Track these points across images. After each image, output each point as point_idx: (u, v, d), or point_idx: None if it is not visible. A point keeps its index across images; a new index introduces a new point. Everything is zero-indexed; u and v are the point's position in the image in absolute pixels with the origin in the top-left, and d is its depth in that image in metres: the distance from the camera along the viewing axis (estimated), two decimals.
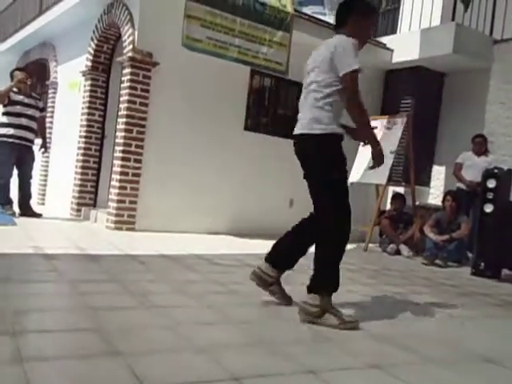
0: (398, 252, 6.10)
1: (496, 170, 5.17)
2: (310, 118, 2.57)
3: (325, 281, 2.53)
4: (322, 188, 2.58)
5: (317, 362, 1.99)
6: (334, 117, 2.56)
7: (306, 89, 2.67)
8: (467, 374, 2.08)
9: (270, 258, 2.77)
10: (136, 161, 5.52)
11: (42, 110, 6.24)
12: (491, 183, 5.09)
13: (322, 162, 2.56)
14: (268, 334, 2.30)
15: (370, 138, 2.65)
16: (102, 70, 6.48)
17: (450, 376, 2.02)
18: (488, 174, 5.18)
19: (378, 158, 2.63)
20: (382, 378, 1.91)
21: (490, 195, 5.08)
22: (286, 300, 2.81)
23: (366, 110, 2.59)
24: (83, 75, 6.57)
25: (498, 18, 6.79)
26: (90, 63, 6.44)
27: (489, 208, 5.09)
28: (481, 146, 6.09)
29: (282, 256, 2.78)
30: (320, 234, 2.58)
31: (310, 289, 2.53)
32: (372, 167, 2.66)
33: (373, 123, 6.75)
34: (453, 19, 6.57)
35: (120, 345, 1.92)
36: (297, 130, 2.67)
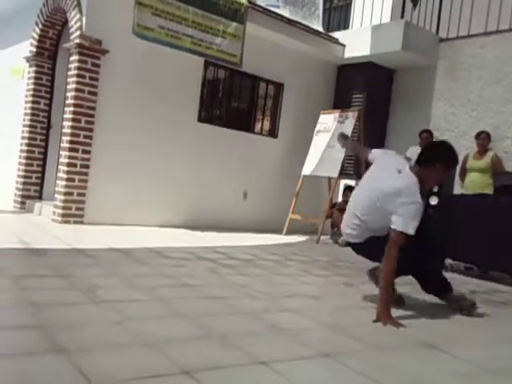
0: (348, 244, 6.22)
1: None
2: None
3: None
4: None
5: (269, 352, 1.99)
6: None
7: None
8: (411, 359, 2.16)
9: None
10: (84, 152, 5.32)
11: None
12: None
13: None
14: (219, 327, 2.28)
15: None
16: (47, 56, 6.20)
17: (395, 362, 2.08)
18: None
19: None
20: (333, 366, 1.94)
21: (436, 188, 5.28)
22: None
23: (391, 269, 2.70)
24: (27, 61, 6.26)
25: (444, 18, 7.05)
26: (34, 49, 6.14)
27: (434, 200, 5.29)
28: (427, 140, 6.30)
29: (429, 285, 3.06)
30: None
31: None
32: None
33: (325, 117, 6.93)
34: (402, 17, 6.76)
35: (65, 341, 1.84)
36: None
